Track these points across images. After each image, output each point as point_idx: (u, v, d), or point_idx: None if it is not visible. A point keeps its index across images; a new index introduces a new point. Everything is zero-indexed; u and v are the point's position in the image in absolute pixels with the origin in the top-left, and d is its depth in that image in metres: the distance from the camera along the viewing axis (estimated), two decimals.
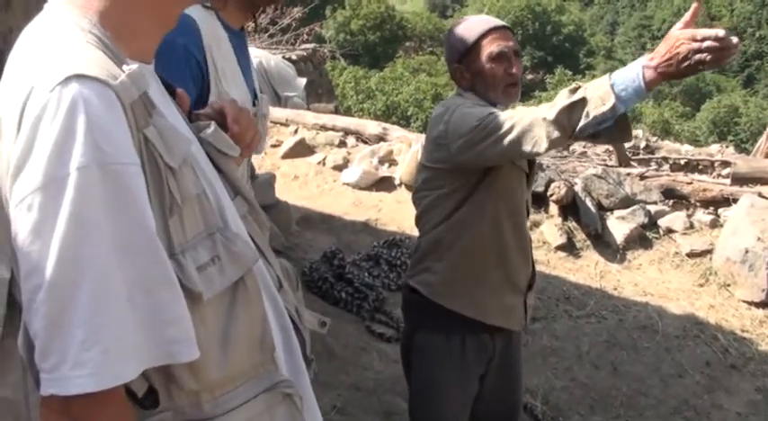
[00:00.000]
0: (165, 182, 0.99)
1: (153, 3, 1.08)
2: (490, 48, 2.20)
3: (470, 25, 2.26)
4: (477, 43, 2.21)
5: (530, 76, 56.06)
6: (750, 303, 4.69)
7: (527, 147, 1.96)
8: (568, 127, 1.87)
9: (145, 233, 0.94)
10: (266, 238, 1.38)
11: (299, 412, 1.21)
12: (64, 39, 0.98)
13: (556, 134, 1.90)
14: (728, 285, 4.84)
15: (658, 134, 18.02)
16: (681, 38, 1.71)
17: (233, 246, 1.09)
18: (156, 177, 0.98)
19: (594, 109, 1.81)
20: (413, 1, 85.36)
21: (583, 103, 1.83)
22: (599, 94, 1.81)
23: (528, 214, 2.44)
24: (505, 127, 1.99)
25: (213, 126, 1.25)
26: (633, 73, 1.79)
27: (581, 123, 1.84)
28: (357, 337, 4.18)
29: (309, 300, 4.54)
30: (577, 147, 9.48)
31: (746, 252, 4.72)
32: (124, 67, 0.97)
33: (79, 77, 0.91)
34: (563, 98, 1.89)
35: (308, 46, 11.60)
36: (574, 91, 1.88)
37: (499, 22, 2.26)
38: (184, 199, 1.02)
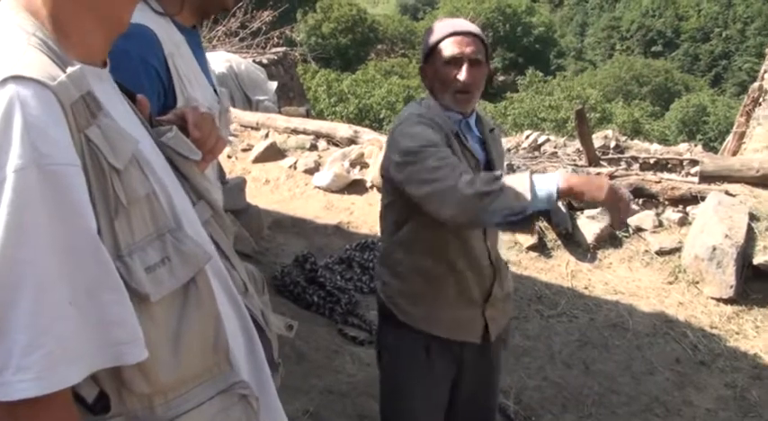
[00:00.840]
0: (109, 182, 0.98)
1: (99, 5, 1.07)
2: (446, 51, 2.19)
3: (438, 26, 2.26)
4: (437, 45, 2.21)
5: (501, 78, 56.34)
6: (718, 300, 4.74)
7: (432, 207, 2.00)
8: (476, 211, 1.90)
9: (86, 234, 0.93)
10: (231, 243, 1.38)
11: (254, 413, 1.20)
12: (6, 41, 0.97)
13: (461, 214, 1.94)
14: (697, 282, 4.89)
15: (628, 133, 18.17)
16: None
17: (183, 246, 1.08)
18: (99, 178, 0.97)
19: (507, 203, 1.86)
20: (384, 4, 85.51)
21: (498, 194, 1.87)
22: (516, 190, 1.86)
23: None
24: (428, 175, 1.99)
25: (174, 130, 1.24)
26: (552, 179, 1.88)
27: (488, 213, 1.88)
28: (329, 341, 4.17)
29: (281, 304, 4.53)
30: (548, 147, 9.54)
31: (714, 249, 4.77)
32: (68, 68, 0.96)
33: (16, 79, 0.91)
34: (484, 182, 1.90)
35: (278, 49, 11.57)
36: (497, 178, 1.91)
37: (464, 28, 2.22)
38: (131, 200, 1.01)
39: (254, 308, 1.34)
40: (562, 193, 1.87)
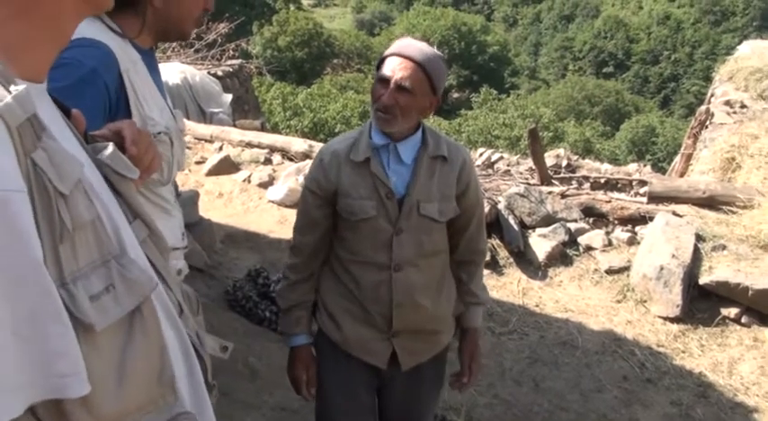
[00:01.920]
0: (55, 208, 0.94)
1: (47, 19, 1.04)
2: (381, 69, 2.19)
3: (393, 44, 2.25)
4: (380, 62, 2.22)
5: (456, 95, 56.88)
6: (665, 319, 4.83)
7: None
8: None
9: (31, 264, 0.89)
10: (167, 262, 1.35)
11: None
12: None
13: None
14: (645, 301, 4.98)
15: (580, 153, 18.47)
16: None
17: (129, 273, 1.05)
18: (45, 204, 0.94)
19: (282, 320, 2.51)
20: (341, 18, 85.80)
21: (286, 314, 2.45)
22: (286, 321, 2.47)
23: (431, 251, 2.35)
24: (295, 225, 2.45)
25: (111, 147, 1.19)
26: (297, 341, 2.48)
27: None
28: (282, 357, 4.11)
29: (233, 319, 4.49)
30: (502, 165, 9.64)
31: (662, 269, 4.86)
32: (11, 87, 0.93)
33: None
34: (283, 289, 2.46)
35: (234, 62, 11.53)
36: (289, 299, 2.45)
37: (407, 52, 2.15)
38: (76, 225, 0.97)
39: (190, 329, 1.32)
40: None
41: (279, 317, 2.58)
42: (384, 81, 2.16)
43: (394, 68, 2.15)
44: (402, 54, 2.16)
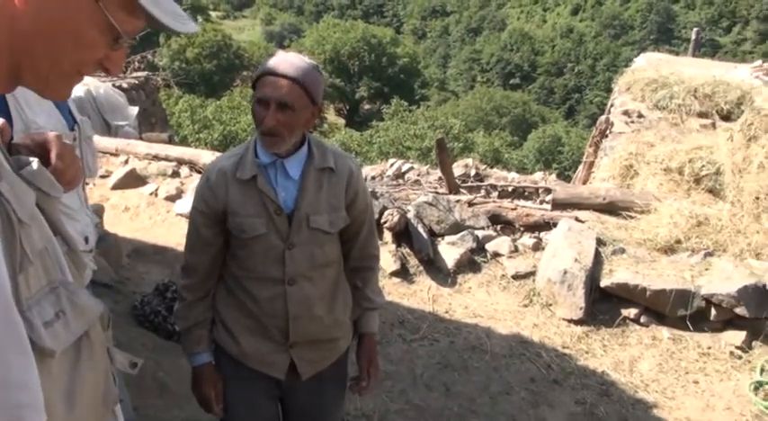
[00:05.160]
0: (17, 237, 0.94)
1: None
2: (257, 90, 2.16)
3: (266, 61, 2.20)
4: (256, 81, 2.18)
5: (367, 107, 57.21)
6: (570, 321, 4.98)
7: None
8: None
9: (0, 295, 0.89)
10: (83, 279, 1.34)
11: None
12: None
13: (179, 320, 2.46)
14: (550, 305, 5.12)
15: (489, 162, 18.83)
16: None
17: (77, 299, 1.04)
18: (8, 233, 0.93)
19: (184, 338, 2.47)
20: (250, 30, 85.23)
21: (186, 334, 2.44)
22: (187, 340, 2.45)
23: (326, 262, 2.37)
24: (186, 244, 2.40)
25: (36, 164, 1.14)
26: (199, 358, 2.45)
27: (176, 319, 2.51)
28: (191, 371, 4.08)
29: (141, 334, 4.41)
30: (412, 175, 9.77)
31: (565, 273, 5.02)
32: None
33: None
34: (181, 309, 2.43)
35: (140, 74, 11.32)
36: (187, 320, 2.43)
37: (281, 70, 2.12)
38: (34, 253, 0.96)
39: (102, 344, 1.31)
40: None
41: (180, 337, 2.55)
42: (263, 102, 2.13)
43: (271, 88, 2.12)
44: (276, 72, 2.12)
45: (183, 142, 18.51)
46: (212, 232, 2.31)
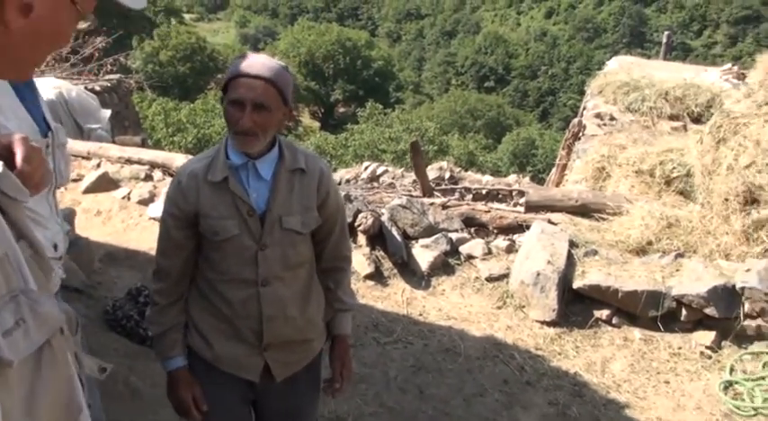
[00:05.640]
0: None
1: None
2: (231, 93, 2.17)
3: (234, 64, 2.21)
4: (228, 83, 2.19)
5: (342, 110, 57.16)
6: (542, 323, 5.01)
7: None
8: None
9: None
10: (50, 284, 1.32)
11: None
12: None
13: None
14: (523, 307, 5.15)
15: (464, 165, 18.87)
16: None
17: (39, 307, 1.02)
18: None
19: (156, 344, 2.46)
20: (224, 33, 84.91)
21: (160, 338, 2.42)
22: (161, 345, 2.43)
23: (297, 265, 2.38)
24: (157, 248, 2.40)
25: (1, 167, 1.11)
26: (173, 362, 2.42)
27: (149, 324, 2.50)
28: (165, 376, 4.05)
29: (114, 339, 4.37)
30: (386, 178, 9.77)
31: (538, 275, 5.05)
32: None
33: None
34: (153, 314, 2.43)
35: (112, 76, 11.20)
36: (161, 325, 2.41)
37: (254, 71, 2.15)
38: None
39: (69, 350, 1.30)
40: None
41: (153, 342, 2.54)
42: (239, 104, 2.14)
43: (246, 89, 2.14)
44: (250, 74, 2.14)
45: (157, 145, 18.37)
46: (184, 235, 2.31)
